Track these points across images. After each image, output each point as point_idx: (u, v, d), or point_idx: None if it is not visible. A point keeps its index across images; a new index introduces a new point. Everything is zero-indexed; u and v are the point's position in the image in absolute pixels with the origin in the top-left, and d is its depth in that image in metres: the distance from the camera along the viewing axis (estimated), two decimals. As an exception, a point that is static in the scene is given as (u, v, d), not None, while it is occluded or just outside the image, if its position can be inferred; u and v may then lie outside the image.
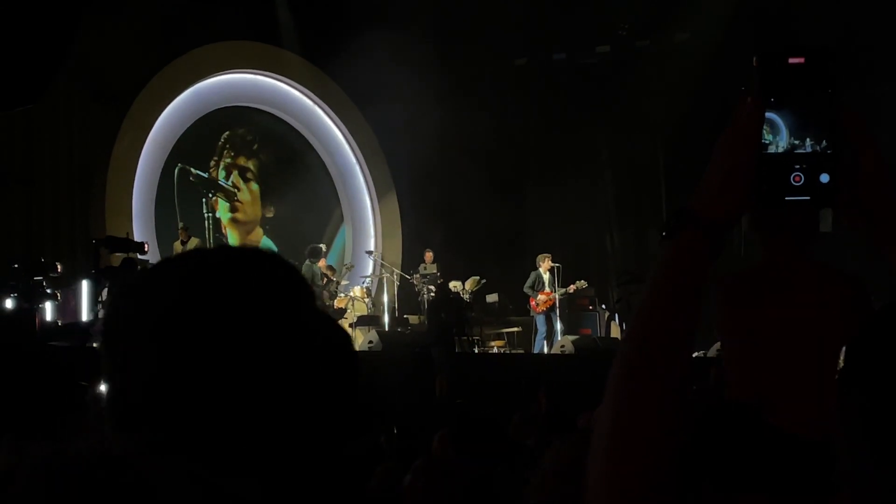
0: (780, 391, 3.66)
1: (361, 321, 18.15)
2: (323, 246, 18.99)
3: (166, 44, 18.76)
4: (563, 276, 18.57)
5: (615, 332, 19.89)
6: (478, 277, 19.24)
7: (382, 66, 19.17)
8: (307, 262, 17.92)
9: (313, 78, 21.41)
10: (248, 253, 1.23)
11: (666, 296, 1.29)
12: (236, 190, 20.78)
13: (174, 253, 14.08)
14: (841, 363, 1.23)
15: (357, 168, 22.49)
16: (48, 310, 14.51)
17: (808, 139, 1.31)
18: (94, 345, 13.82)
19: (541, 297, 18.28)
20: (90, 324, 14.41)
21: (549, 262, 18.53)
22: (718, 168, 1.31)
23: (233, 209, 20.73)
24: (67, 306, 15.57)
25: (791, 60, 1.32)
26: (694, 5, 19.87)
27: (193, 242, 17.20)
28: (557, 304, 18.48)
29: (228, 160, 20.83)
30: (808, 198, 1.30)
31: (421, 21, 19.01)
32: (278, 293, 1.17)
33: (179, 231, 17.75)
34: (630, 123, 20.80)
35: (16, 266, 13.71)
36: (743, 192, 1.30)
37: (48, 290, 13.81)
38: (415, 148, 20.31)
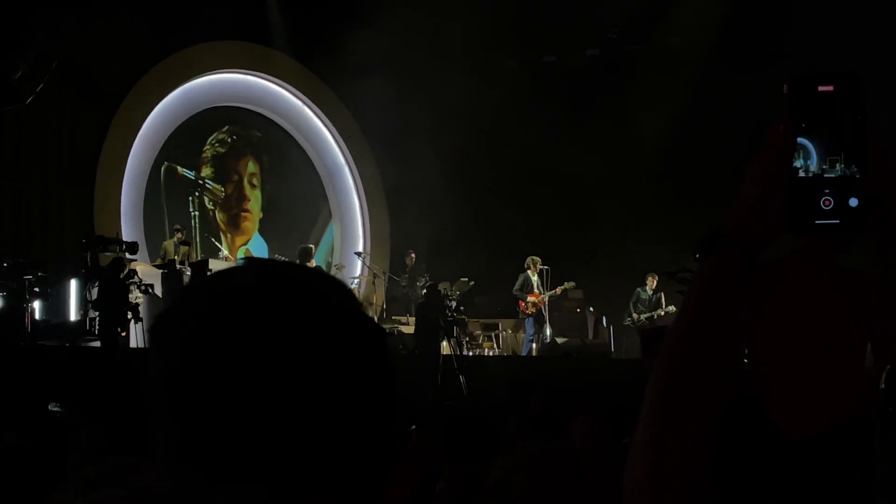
0: (794, 385, 3.70)
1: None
2: (312, 247, 18.97)
3: (156, 44, 18.73)
4: (551, 279, 18.60)
5: (602, 334, 19.95)
6: (466, 279, 19.24)
7: (372, 67, 19.17)
8: (297, 263, 17.87)
9: (303, 78, 21.40)
10: (290, 273, 1.23)
11: (700, 318, 1.33)
12: (221, 190, 20.77)
13: (163, 252, 14.01)
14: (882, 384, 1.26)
15: (346, 168, 22.48)
16: (38, 309, 14.48)
17: (837, 164, 1.34)
18: (83, 344, 13.84)
19: (530, 298, 18.31)
20: (79, 323, 14.42)
21: (539, 264, 18.57)
22: (751, 192, 1.34)
23: (224, 209, 20.72)
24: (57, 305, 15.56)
25: (820, 88, 1.35)
26: (684, 10, 19.92)
27: (183, 251, 17.10)
28: (546, 307, 18.51)
29: (213, 160, 20.80)
30: (837, 221, 1.31)
31: (411, 23, 19.01)
32: (329, 317, 1.17)
33: (175, 232, 17.67)
34: (620, 126, 20.81)
35: (5, 265, 13.68)
36: (775, 217, 1.32)
37: (38, 289, 13.79)
38: (404, 149, 20.32)
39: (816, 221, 1.32)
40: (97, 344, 13.50)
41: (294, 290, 1.17)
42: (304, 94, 21.63)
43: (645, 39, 21.13)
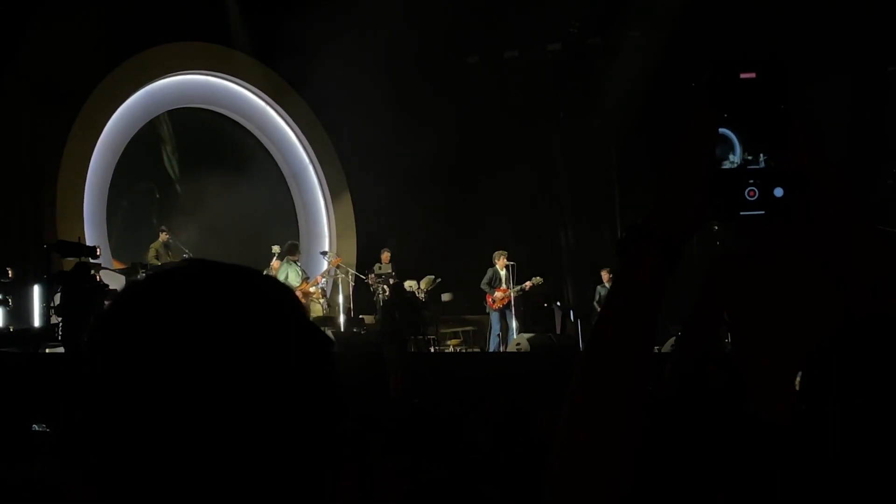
0: (778, 372, 3.74)
1: (317, 322, 18.03)
2: (298, 243, 18.91)
3: (116, 45, 18.57)
4: (517, 274, 18.62)
5: (570, 329, 19.98)
6: (433, 276, 19.24)
7: (335, 65, 19.12)
8: (285, 259, 17.84)
9: (265, 78, 21.32)
10: (224, 271, 1.19)
11: (623, 309, 1.32)
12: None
13: (151, 253, 13.88)
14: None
15: (310, 168, 22.42)
16: (0, 316, 14.35)
17: (761, 154, 1.34)
18: (46, 351, 13.72)
19: (497, 293, 18.33)
20: (42, 329, 14.29)
21: (505, 259, 18.59)
22: (672, 183, 1.34)
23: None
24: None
25: (742, 75, 1.34)
26: (644, 3, 19.99)
27: (164, 256, 17.06)
28: (513, 302, 18.53)
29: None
30: (762, 212, 1.32)
31: (372, 20, 18.99)
32: (261, 315, 1.14)
33: (161, 233, 17.66)
34: (583, 120, 20.87)
35: (-34, 272, 13.56)
36: (697, 208, 1.32)
37: (0, 296, 13.67)
38: (368, 147, 20.30)
39: (741, 212, 1.32)
40: (61, 350, 13.39)
41: (232, 293, 1.14)
42: (267, 94, 21.54)
43: (605, 33, 21.17)
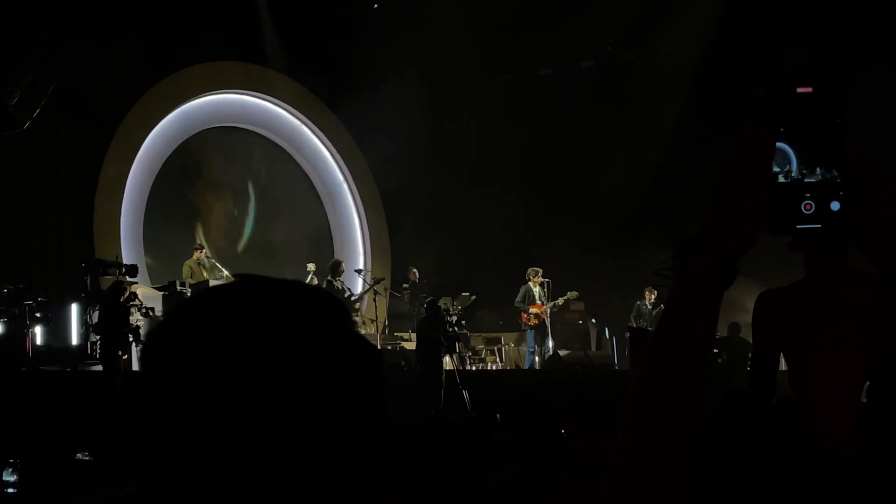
0: (830, 397, 3.73)
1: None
2: (342, 261, 18.97)
3: (152, 65, 18.75)
4: (552, 292, 18.57)
5: (605, 346, 19.91)
6: (468, 294, 19.23)
7: (369, 84, 19.21)
8: (328, 278, 17.90)
9: (299, 97, 21.43)
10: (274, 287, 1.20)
11: (679, 323, 1.32)
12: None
13: (185, 271, 13.98)
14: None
15: (345, 186, 22.50)
16: (38, 334, 14.48)
17: (817, 168, 1.33)
18: (84, 368, 13.83)
19: (532, 310, 18.28)
20: (80, 347, 14.40)
21: (540, 276, 18.54)
22: (729, 197, 1.34)
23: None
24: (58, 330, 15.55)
25: (799, 90, 1.34)
26: (677, 20, 19.96)
27: (198, 274, 17.17)
28: (548, 319, 18.47)
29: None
30: (818, 225, 1.32)
31: (407, 39, 19.05)
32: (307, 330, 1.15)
33: (195, 251, 17.76)
34: (617, 136, 20.84)
35: (5, 291, 13.68)
36: (754, 222, 1.32)
37: (38, 315, 13.78)
38: (403, 165, 20.34)
39: (798, 226, 1.32)
40: (98, 368, 13.48)
41: (284, 308, 1.15)
42: (302, 112, 21.65)
43: (639, 50, 21.17)
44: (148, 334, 1.17)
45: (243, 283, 1.19)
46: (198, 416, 1.09)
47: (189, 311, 1.18)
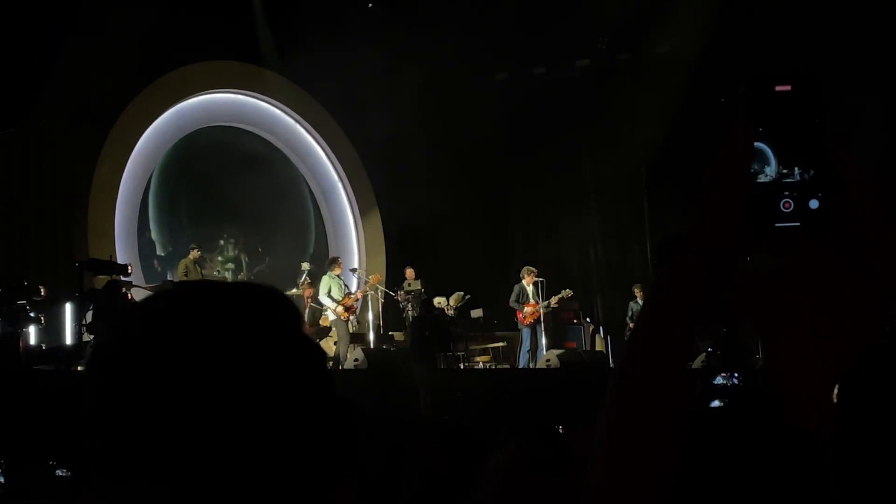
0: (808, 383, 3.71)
1: (350, 339, 18.08)
2: (339, 258, 18.99)
3: (147, 64, 18.71)
4: (546, 291, 18.58)
5: (600, 345, 19.92)
6: (462, 293, 19.22)
7: (364, 84, 19.19)
8: (328, 273, 17.93)
9: (295, 97, 21.41)
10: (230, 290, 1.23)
11: (659, 322, 1.32)
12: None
13: (181, 270, 13.98)
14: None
15: (339, 186, 22.48)
16: (32, 334, 14.45)
17: (796, 167, 1.33)
18: (79, 368, 13.80)
19: (527, 308, 18.28)
20: (74, 347, 14.37)
21: (534, 275, 18.55)
22: (709, 197, 1.34)
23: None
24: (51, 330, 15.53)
25: (778, 88, 1.34)
26: (673, 19, 19.97)
27: (194, 273, 17.15)
28: (542, 318, 18.47)
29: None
30: (797, 224, 1.33)
31: (402, 38, 19.04)
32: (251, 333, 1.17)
33: (191, 249, 17.75)
34: (612, 135, 20.85)
35: (-2, 290, 13.65)
36: (734, 220, 1.32)
37: (32, 314, 13.75)
38: (398, 165, 20.33)
39: (777, 224, 1.32)
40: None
41: (228, 313, 1.17)
42: (297, 112, 21.63)
43: (634, 49, 21.17)
44: (94, 345, 1.20)
45: (184, 291, 1.22)
46: (141, 419, 1.11)
47: (129, 324, 1.20)
